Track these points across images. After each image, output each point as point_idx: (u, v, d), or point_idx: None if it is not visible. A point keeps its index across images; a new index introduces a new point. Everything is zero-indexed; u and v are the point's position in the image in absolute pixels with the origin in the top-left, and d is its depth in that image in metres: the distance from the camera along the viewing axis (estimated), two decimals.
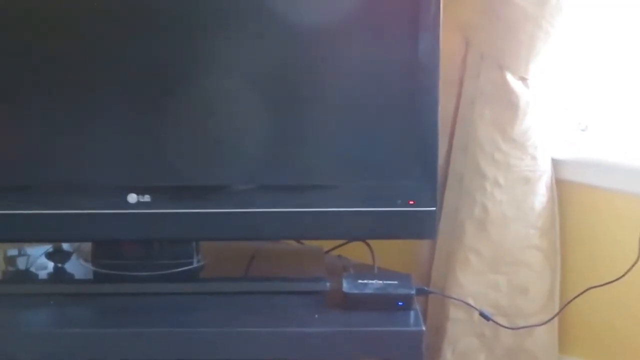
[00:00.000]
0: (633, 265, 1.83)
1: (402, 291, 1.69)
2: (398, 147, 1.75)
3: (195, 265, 1.83)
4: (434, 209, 1.76)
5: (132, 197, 1.73)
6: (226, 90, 1.73)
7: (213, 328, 1.63)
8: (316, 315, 1.66)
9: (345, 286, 1.70)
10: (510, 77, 1.90)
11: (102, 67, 1.72)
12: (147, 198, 1.73)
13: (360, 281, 1.71)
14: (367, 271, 1.83)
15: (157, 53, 1.72)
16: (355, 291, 1.69)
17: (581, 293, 1.91)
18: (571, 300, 1.93)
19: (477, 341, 1.99)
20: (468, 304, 1.92)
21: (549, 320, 1.94)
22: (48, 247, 1.90)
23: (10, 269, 1.85)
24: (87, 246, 1.87)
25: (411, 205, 1.75)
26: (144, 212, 1.74)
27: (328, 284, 1.77)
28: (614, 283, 1.86)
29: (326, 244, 1.97)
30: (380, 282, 1.71)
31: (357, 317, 1.66)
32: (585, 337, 2.02)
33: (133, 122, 1.74)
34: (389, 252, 1.89)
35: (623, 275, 1.84)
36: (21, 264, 1.86)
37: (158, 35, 1.72)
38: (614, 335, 1.97)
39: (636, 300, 1.92)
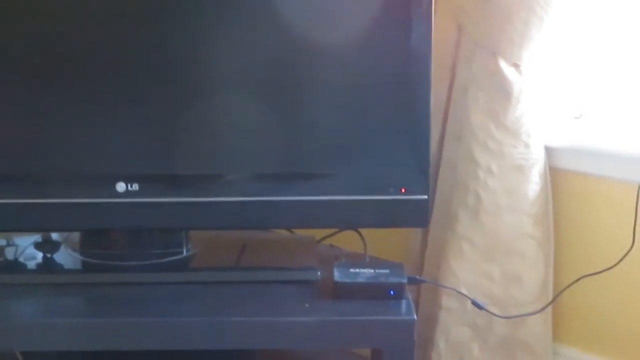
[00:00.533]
0: (627, 254, 1.82)
1: (394, 280, 1.68)
2: (390, 134, 1.73)
3: (185, 254, 1.82)
4: (426, 197, 1.74)
5: (121, 186, 1.71)
6: (218, 78, 1.72)
7: (203, 317, 1.62)
8: (307, 305, 1.65)
9: (337, 275, 1.68)
10: (503, 64, 1.88)
11: (91, 54, 1.71)
12: (136, 187, 1.72)
13: (351, 270, 1.70)
14: (358, 260, 1.82)
15: (147, 39, 1.71)
16: (347, 280, 1.67)
17: (575, 281, 1.90)
18: (565, 289, 1.92)
19: (470, 331, 1.98)
20: (461, 293, 1.91)
21: (543, 309, 1.94)
22: (37, 237, 1.89)
23: None
24: (76, 236, 1.86)
25: (403, 194, 1.74)
26: (133, 201, 1.72)
27: (319, 273, 1.76)
28: (608, 271, 1.85)
29: (318, 233, 1.96)
30: (372, 271, 1.70)
31: (349, 306, 1.64)
32: (579, 326, 2.01)
33: (122, 110, 1.72)
34: (381, 241, 1.88)
35: (617, 264, 1.83)
36: (9, 254, 1.85)
37: (148, 22, 1.70)
38: (608, 324, 1.97)
39: (630, 288, 1.91)
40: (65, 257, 1.86)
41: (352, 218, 1.77)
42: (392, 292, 1.67)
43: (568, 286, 1.91)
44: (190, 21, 1.70)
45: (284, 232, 1.99)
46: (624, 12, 1.97)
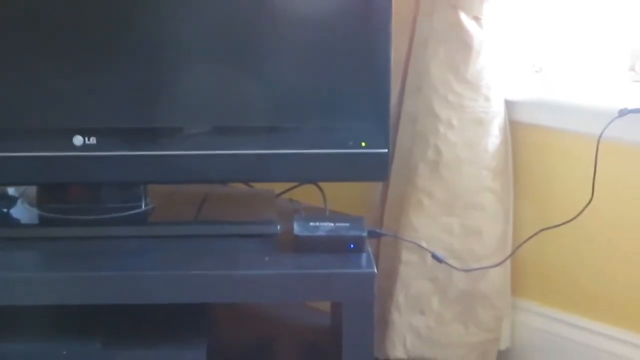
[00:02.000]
0: (585, 207, 1.82)
1: (354, 233, 1.68)
2: (350, 88, 1.73)
3: (143, 208, 1.80)
4: (385, 150, 1.74)
5: (78, 139, 1.70)
6: (179, 31, 1.70)
7: (162, 271, 1.61)
8: (267, 258, 1.65)
9: (297, 229, 1.68)
10: (464, 17, 1.87)
11: (49, 6, 1.68)
12: (93, 140, 1.70)
13: (311, 224, 1.70)
14: (318, 214, 1.82)
15: None
16: (307, 234, 1.67)
17: (534, 235, 1.91)
18: (524, 242, 1.93)
19: (430, 284, 1.98)
20: (421, 247, 1.91)
21: (502, 262, 1.94)
22: None
23: None
24: (33, 190, 1.84)
25: (363, 147, 1.73)
26: (91, 154, 1.70)
27: (279, 227, 1.75)
28: (567, 225, 1.85)
29: (277, 187, 1.95)
30: (332, 224, 1.69)
31: (309, 259, 1.64)
32: (538, 279, 2.02)
33: (79, 62, 1.70)
34: (341, 194, 1.88)
35: (575, 217, 1.84)
36: None
37: None
38: (566, 277, 1.98)
39: (589, 241, 1.92)
40: (22, 212, 1.84)
41: (311, 172, 1.77)
42: (352, 246, 1.66)
43: (527, 239, 1.92)
44: None
45: (243, 186, 1.97)
46: None
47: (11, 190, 1.88)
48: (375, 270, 1.61)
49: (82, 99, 1.71)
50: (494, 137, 1.94)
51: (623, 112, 1.79)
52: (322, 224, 1.70)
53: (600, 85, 1.99)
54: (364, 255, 1.66)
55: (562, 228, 1.86)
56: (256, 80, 1.72)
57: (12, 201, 1.86)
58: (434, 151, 1.94)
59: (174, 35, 1.70)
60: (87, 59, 1.70)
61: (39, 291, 1.60)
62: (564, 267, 1.98)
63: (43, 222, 1.80)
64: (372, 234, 1.75)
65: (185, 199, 1.88)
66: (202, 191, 1.92)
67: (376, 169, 1.76)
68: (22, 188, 1.90)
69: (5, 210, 1.84)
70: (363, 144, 1.73)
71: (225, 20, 1.70)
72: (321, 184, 1.87)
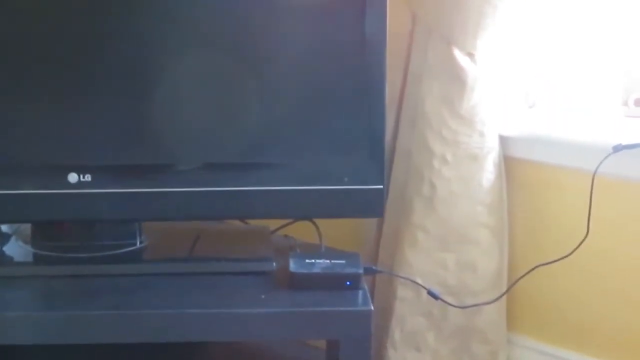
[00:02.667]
0: (581, 243, 1.82)
1: (350, 270, 1.67)
2: (345, 123, 1.72)
3: (138, 246, 1.79)
4: (381, 187, 1.74)
5: (73, 177, 1.69)
6: (169, 68, 1.70)
7: (158, 310, 1.60)
8: (263, 296, 1.64)
9: (292, 266, 1.67)
10: (457, 53, 1.88)
11: (42, 44, 1.68)
12: (88, 177, 1.70)
13: (307, 261, 1.69)
14: (314, 250, 1.81)
15: (96, 32, 1.68)
16: (303, 271, 1.66)
17: (529, 271, 1.90)
18: (519, 279, 1.93)
19: (426, 320, 1.98)
20: (416, 283, 1.91)
21: (497, 299, 1.94)
22: None
23: None
24: (27, 228, 1.83)
25: (358, 183, 1.73)
26: (85, 192, 1.70)
27: (275, 264, 1.74)
28: (562, 261, 1.85)
29: (272, 224, 1.94)
30: (328, 261, 1.69)
31: (305, 296, 1.63)
32: (533, 315, 2.02)
33: (75, 101, 1.70)
34: (336, 231, 1.87)
35: (571, 253, 1.84)
36: None
37: (97, 16, 1.68)
38: (562, 313, 1.98)
39: (584, 278, 1.92)
40: (16, 249, 1.83)
41: (306, 208, 1.76)
42: (348, 283, 1.66)
43: (523, 275, 1.91)
44: (140, 14, 1.68)
45: (237, 223, 1.97)
46: (577, 2, 1.98)
47: (4, 227, 1.87)
48: (372, 308, 1.61)
49: (77, 137, 1.70)
50: (488, 173, 1.94)
51: (617, 148, 1.79)
52: (318, 260, 1.69)
53: (594, 121, 2.00)
54: (360, 292, 1.66)
55: (557, 264, 1.86)
56: (250, 116, 1.72)
57: (5, 238, 1.85)
58: (428, 186, 1.94)
59: (166, 73, 1.70)
60: (81, 97, 1.69)
61: (33, 330, 1.60)
62: (560, 303, 1.97)
63: (37, 260, 1.79)
64: (368, 271, 1.75)
65: (180, 235, 1.87)
66: (197, 228, 1.91)
67: (371, 205, 1.76)
68: (15, 225, 1.89)
69: None
70: (358, 180, 1.73)
71: (218, 58, 1.70)
72: (316, 220, 1.86)
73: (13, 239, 1.85)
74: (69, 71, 1.69)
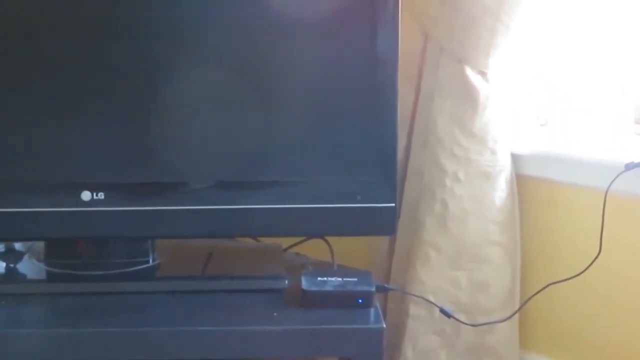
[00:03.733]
0: (593, 261, 1.82)
1: (362, 288, 1.67)
2: (357, 142, 1.73)
3: (151, 263, 1.80)
4: (393, 205, 1.74)
5: (86, 195, 1.69)
6: (183, 86, 1.70)
7: (170, 327, 1.60)
8: (275, 314, 1.64)
9: (304, 284, 1.67)
10: (469, 71, 1.88)
11: (56, 62, 1.69)
12: (101, 196, 1.70)
13: (319, 278, 1.69)
14: (326, 268, 1.81)
15: (111, 49, 1.69)
16: (315, 288, 1.66)
17: (541, 289, 1.90)
18: (532, 297, 1.92)
19: (438, 338, 1.97)
20: (428, 301, 1.91)
21: (510, 317, 1.93)
22: None
23: None
24: (40, 245, 1.84)
25: (370, 201, 1.73)
26: (98, 209, 1.70)
27: (287, 282, 1.74)
28: (575, 279, 1.85)
29: (285, 241, 1.95)
30: (340, 279, 1.69)
31: (317, 314, 1.63)
32: (546, 333, 2.01)
33: (88, 119, 1.70)
34: (348, 248, 1.87)
35: (584, 271, 1.83)
36: None
37: (110, 32, 1.69)
38: (575, 331, 1.97)
39: (596, 296, 1.92)
40: (29, 267, 1.83)
41: (319, 226, 1.76)
42: (360, 301, 1.66)
43: (535, 294, 1.91)
44: (153, 32, 1.69)
45: (250, 241, 1.97)
46: (588, 20, 1.98)
47: (18, 246, 1.88)
48: (384, 326, 1.61)
49: (90, 155, 1.71)
50: (500, 191, 1.94)
51: (630, 166, 1.79)
52: (330, 278, 1.69)
53: (606, 138, 2.00)
54: (372, 310, 1.66)
55: (570, 282, 1.85)
56: (263, 134, 1.73)
57: (18, 256, 1.85)
58: (440, 205, 1.94)
59: (179, 93, 1.70)
60: (95, 116, 1.70)
61: (46, 348, 1.59)
62: (572, 321, 1.97)
63: (50, 277, 1.79)
64: (380, 289, 1.74)
65: (193, 253, 1.88)
66: (210, 245, 1.91)
67: (384, 224, 1.76)
68: (29, 243, 1.89)
69: (12, 265, 1.83)
70: (370, 198, 1.73)
71: (231, 77, 1.71)
72: (329, 237, 1.86)
73: (26, 256, 1.85)
74: (83, 90, 1.70)
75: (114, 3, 1.68)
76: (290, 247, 1.95)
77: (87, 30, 1.68)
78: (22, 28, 1.68)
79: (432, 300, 1.91)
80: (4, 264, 1.83)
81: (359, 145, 1.73)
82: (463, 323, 1.90)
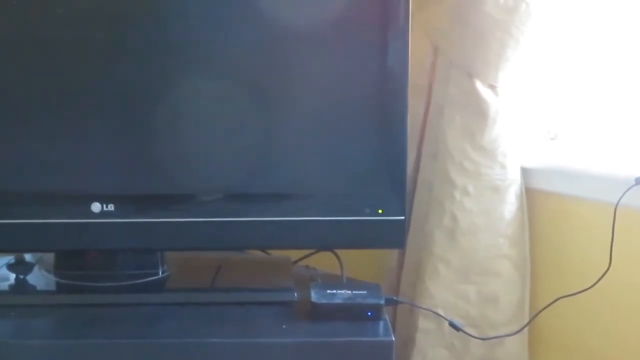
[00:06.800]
0: (603, 275, 1.81)
1: (371, 301, 1.67)
2: (366, 155, 1.73)
3: (160, 275, 1.80)
4: (402, 218, 1.74)
5: (96, 207, 1.70)
6: (192, 98, 1.71)
7: (179, 339, 1.60)
8: (284, 326, 1.64)
9: (314, 296, 1.67)
10: (479, 85, 1.89)
11: (66, 75, 1.70)
12: (111, 207, 1.70)
13: (328, 291, 1.69)
14: (335, 281, 1.81)
15: (120, 63, 1.69)
16: (324, 301, 1.66)
17: (551, 303, 1.90)
18: (541, 311, 1.92)
19: (447, 352, 1.97)
20: (438, 314, 1.91)
21: (519, 331, 1.93)
22: (10, 259, 1.88)
23: None
24: (50, 257, 1.84)
25: (380, 214, 1.73)
26: (108, 221, 1.70)
27: (296, 294, 1.74)
28: (584, 293, 1.84)
29: (294, 254, 1.95)
30: (349, 292, 1.69)
31: (326, 327, 1.63)
32: (555, 347, 2.01)
33: (97, 130, 1.71)
34: (358, 261, 1.87)
35: (593, 285, 1.83)
36: None
37: (121, 46, 1.69)
38: (585, 345, 1.96)
39: (606, 310, 1.91)
40: (39, 278, 1.84)
41: (328, 239, 1.76)
42: (369, 313, 1.66)
43: (545, 307, 1.90)
44: (164, 46, 1.69)
45: (259, 253, 1.97)
46: (597, 34, 1.98)
47: (28, 257, 1.89)
48: (393, 339, 1.60)
49: (100, 167, 1.71)
50: (510, 205, 1.94)
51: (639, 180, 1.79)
52: (339, 291, 1.69)
53: (616, 152, 2.00)
54: (381, 323, 1.65)
55: (579, 296, 1.85)
56: (272, 147, 1.73)
57: (28, 268, 1.86)
58: (450, 218, 1.94)
59: (190, 106, 1.71)
60: (105, 128, 1.71)
61: (55, 359, 1.59)
62: (582, 335, 1.96)
63: (60, 288, 1.79)
64: (390, 302, 1.74)
65: (202, 265, 1.88)
66: (219, 257, 1.92)
67: (393, 237, 1.76)
68: (38, 254, 1.90)
69: (21, 276, 1.84)
70: (380, 211, 1.73)
71: (240, 90, 1.71)
72: (338, 250, 1.86)
73: (36, 268, 1.86)
74: (94, 103, 1.70)
75: (124, 19, 1.69)
76: (300, 259, 1.96)
77: (99, 45, 1.69)
78: (37, 45, 1.69)
79: (442, 313, 1.91)
80: (14, 275, 1.84)
81: (368, 158, 1.73)
82: (472, 337, 1.90)
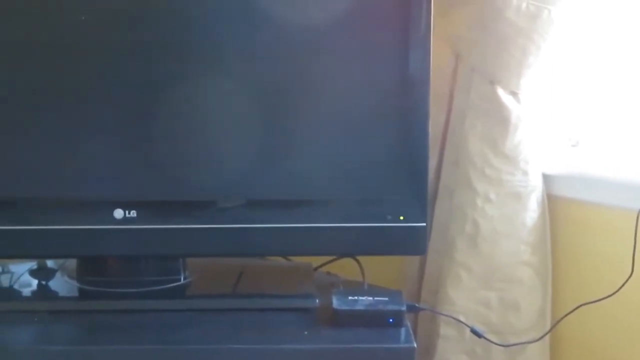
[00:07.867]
0: (626, 282, 1.81)
1: (393, 308, 1.67)
2: (388, 161, 1.73)
3: (182, 281, 1.80)
4: (424, 224, 1.74)
5: (119, 213, 1.70)
6: (214, 105, 1.72)
7: (201, 345, 1.60)
8: (306, 332, 1.64)
9: (335, 303, 1.67)
10: (501, 92, 1.88)
11: (88, 81, 1.70)
12: (133, 214, 1.71)
13: (350, 297, 1.69)
14: (357, 287, 1.81)
15: (142, 69, 1.70)
16: (345, 308, 1.66)
17: (573, 310, 1.89)
18: (563, 317, 1.91)
19: (468, 359, 1.96)
20: (459, 321, 1.90)
21: (541, 338, 1.93)
22: (32, 264, 1.88)
23: None
24: (72, 263, 1.85)
25: (401, 221, 1.73)
26: (131, 227, 1.71)
27: (317, 301, 1.74)
28: (607, 300, 1.84)
29: (315, 261, 1.95)
30: (371, 298, 1.69)
31: (348, 333, 1.63)
32: (577, 354, 2.00)
33: (120, 137, 1.71)
34: (379, 268, 1.87)
35: (616, 292, 1.82)
36: (4, 281, 1.84)
37: (140, 50, 1.70)
38: (607, 353, 1.96)
39: (629, 317, 1.90)
40: (61, 284, 1.84)
41: (349, 245, 1.76)
42: (391, 320, 1.66)
43: (567, 314, 1.90)
44: (189, 51, 1.70)
45: (280, 260, 1.97)
46: (620, 40, 1.98)
47: (50, 263, 1.89)
48: (415, 345, 1.60)
49: (122, 173, 1.72)
50: (531, 212, 1.93)
51: None
52: (360, 298, 1.69)
53: (638, 159, 1.99)
54: (403, 329, 1.65)
55: (601, 303, 1.84)
56: (294, 153, 1.73)
57: (51, 273, 1.87)
58: (471, 225, 1.93)
59: (211, 112, 1.72)
60: (128, 135, 1.71)
61: None
62: (604, 342, 1.96)
63: (82, 294, 1.80)
64: (411, 308, 1.74)
65: (224, 272, 1.88)
66: (240, 264, 1.92)
67: (414, 243, 1.76)
68: (61, 260, 1.91)
69: (44, 282, 1.84)
70: (401, 217, 1.73)
71: (264, 96, 1.72)
72: (359, 257, 1.86)
73: (58, 273, 1.87)
74: (117, 110, 1.71)
75: (139, 23, 1.69)
76: (321, 266, 1.96)
77: (119, 49, 1.69)
78: (56, 51, 1.69)
79: (463, 320, 1.91)
80: (36, 281, 1.85)
81: (390, 164, 1.73)
82: (494, 343, 1.90)
